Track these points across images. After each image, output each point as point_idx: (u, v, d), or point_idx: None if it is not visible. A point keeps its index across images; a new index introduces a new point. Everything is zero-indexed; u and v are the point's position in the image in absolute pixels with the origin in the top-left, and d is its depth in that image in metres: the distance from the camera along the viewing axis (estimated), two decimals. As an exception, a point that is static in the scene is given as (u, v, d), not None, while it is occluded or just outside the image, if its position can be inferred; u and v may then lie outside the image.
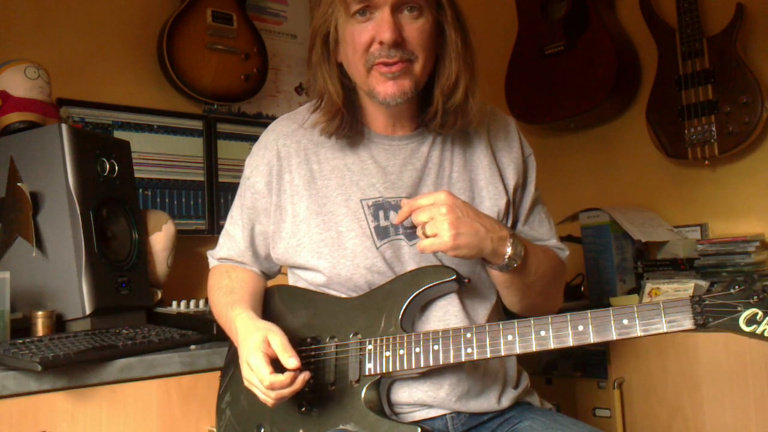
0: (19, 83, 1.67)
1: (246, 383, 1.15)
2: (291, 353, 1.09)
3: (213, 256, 1.44)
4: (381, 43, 1.15)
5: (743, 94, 2.10)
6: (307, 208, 1.27)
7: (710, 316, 0.97)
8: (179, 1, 2.22)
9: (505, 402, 1.27)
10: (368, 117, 1.30)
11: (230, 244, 1.38)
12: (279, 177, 1.30)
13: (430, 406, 1.22)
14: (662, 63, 2.29)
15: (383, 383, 1.19)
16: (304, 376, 1.09)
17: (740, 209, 2.24)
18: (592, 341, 1.04)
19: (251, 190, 1.33)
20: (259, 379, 1.09)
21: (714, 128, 2.16)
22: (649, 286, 2.01)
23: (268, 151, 1.32)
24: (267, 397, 1.11)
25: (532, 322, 1.07)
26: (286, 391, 1.09)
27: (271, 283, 1.41)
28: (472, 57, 1.25)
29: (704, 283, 1.95)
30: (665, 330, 1.00)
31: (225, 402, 1.31)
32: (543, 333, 1.06)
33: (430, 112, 1.25)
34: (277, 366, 1.09)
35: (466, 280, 1.20)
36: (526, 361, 1.36)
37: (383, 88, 1.18)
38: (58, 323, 1.49)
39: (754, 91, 2.09)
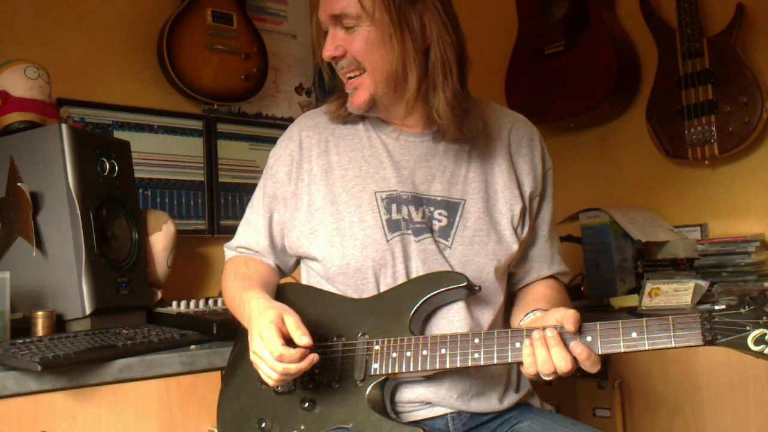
0: (19, 83, 1.67)
1: (252, 356, 1.14)
2: (304, 332, 1.10)
3: (230, 247, 1.45)
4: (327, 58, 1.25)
5: (743, 94, 2.10)
6: (323, 198, 1.29)
7: (719, 333, 0.98)
8: (179, 1, 2.22)
9: (507, 403, 1.27)
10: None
11: (249, 232, 1.39)
12: (299, 166, 1.33)
13: (431, 404, 1.22)
14: (662, 63, 2.29)
15: (388, 384, 1.19)
16: (313, 357, 1.09)
17: (740, 209, 2.24)
18: (600, 353, 1.04)
19: (272, 179, 1.36)
20: (270, 351, 1.08)
21: (714, 128, 2.16)
22: (649, 286, 2.01)
23: (292, 141, 1.36)
24: (272, 371, 1.09)
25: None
26: (293, 368, 1.08)
27: (282, 281, 1.41)
28: (462, 46, 1.25)
29: (704, 283, 1.95)
30: (673, 345, 1.00)
31: (228, 398, 1.31)
32: None
33: (434, 111, 1.25)
34: (289, 345, 1.09)
35: (477, 288, 1.21)
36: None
37: (349, 101, 1.27)
38: (58, 323, 1.49)
39: (754, 91, 2.08)
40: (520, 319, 1.25)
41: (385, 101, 1.25)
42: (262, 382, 1.26)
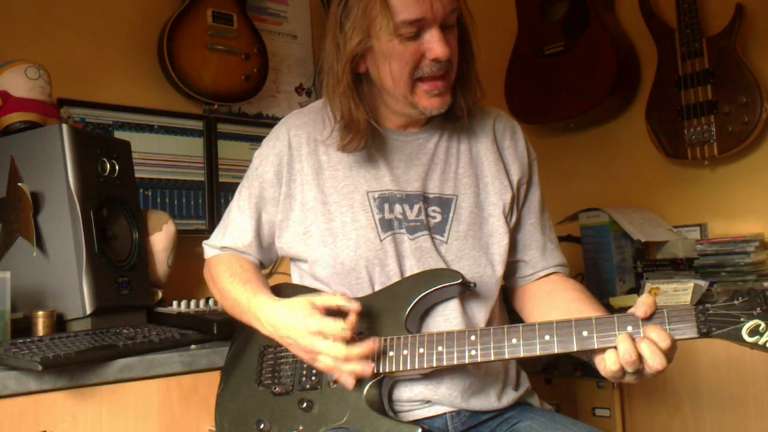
0: (19, 83, 1.67)
1: (305, 355, 1.15)
2: (345, 297, 1.13)
3: (213, 245, 1.44)
4: (435, 60, 1.19)
5: (743, 94, 2.10)
6: (314, 198, 1.29)
7: (713, 325, 0.99)
8: (180, 1, 2.23)
9: (506, 401, 1.28)
10: (382, 116, 1.32)
11: (236, 233, 1.38)
12: (289, 166, 1.32)
13: (430, 403, 1.22)
14: (662, 63, 2.29)
15: (385, 383, 1.19)
16: (371, 342, 1.11)
17: (740, 209, 2.24)
18: (596, 347, 1.05)
19: (259, 180, 1.35)
20: (334, 334, 1.09)
21: (713, 128, 2.16)
22: (648, 286, 2.01)
23: (279, 141, 1.34)
24: (335, 359, 1.10)
25: (536, 326, 1.08)
26: (355, 351, 1.09)
27: (272, 282, 1.41)
28: (474, 44, 1.30)
29: (704, 283, 1.95)
30: None
31: (225, 398, 1.32)
32: (547, 337, 1.06)
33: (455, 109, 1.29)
34: None
35: (472, 285, 1.21)
36: (526, 359, 1.36)
37: (429, 102, 1.23)
38: (59, 323, 1.49)
39: (753, 91, 2.09)
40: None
41: None
42: (260, 383, 1.26)
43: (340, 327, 1.09)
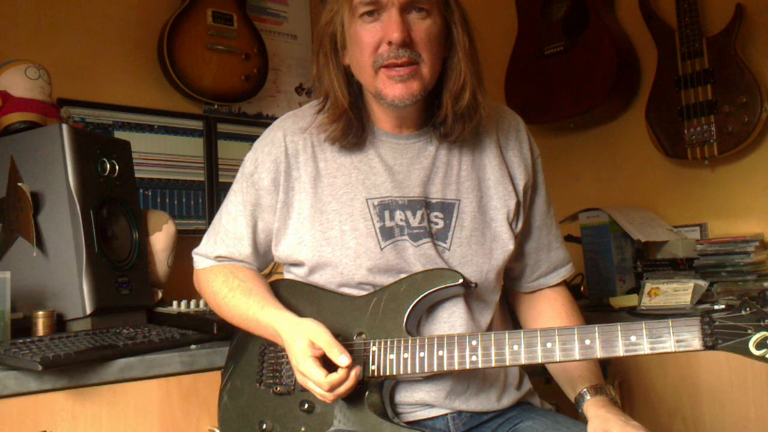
0: (19, 83, 1.67)
1: (302, 383, 1.16)
2: (340, 349, 1.10)
3: (206, 255, 1.39)
4: (390, 43, 1.15)
5: (742, 95, 2.10)
6: (311, 206, 1.26)
7: (720, 337, 0.96)
8: (180, 1, 2.23)
9: (506, 402, 1.27)
10: (375, 116, 1.29)
11: (230, 241, 1.34)
12: (287, 174, 1.28)
13: (431, 406, 1.22)
14: (662, 63, 2.29)
15: (386, 385, 1.19)
16: (357, 371, 1.11)
17: (740, 209, 2.24)
18: (598, 356, 1.04)
19: (255, 187, 1.31)
20: (317, 384, 1.10)
21: (713, 128, 2.16)
22: (648, 286, 2.01)
23: (275, 147, 1.30)
24: (325, 400, 1.13)
25: (539, 333, 1.07)
26: (342, 389, 1.10)
27: (276, 278, 1.41)
28: (479, 60, 1.25)
29: (704, 283, 1.95)
30: (673, 349, 0.99)
31: (226, 398, 1.32)
32: (549, 345, 1.06)
33: (439, 116, 1.25)
34: (327, 363, 1.11)
35: (473, 285, 1.19)
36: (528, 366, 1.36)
37: (391, 90, 1.18)
38: (59, 323, 1.49)
39: (753, 92, 2.09)
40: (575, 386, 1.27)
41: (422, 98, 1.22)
42: (261, 383, 1.26)
43: (323, 381, 1.09)
